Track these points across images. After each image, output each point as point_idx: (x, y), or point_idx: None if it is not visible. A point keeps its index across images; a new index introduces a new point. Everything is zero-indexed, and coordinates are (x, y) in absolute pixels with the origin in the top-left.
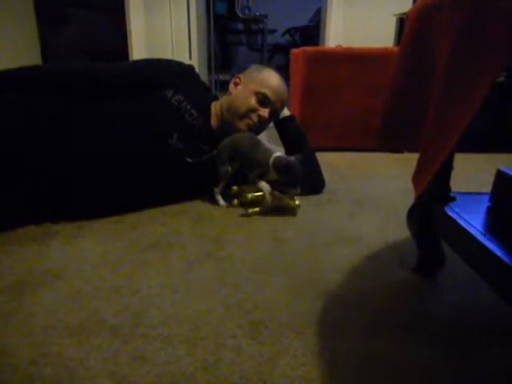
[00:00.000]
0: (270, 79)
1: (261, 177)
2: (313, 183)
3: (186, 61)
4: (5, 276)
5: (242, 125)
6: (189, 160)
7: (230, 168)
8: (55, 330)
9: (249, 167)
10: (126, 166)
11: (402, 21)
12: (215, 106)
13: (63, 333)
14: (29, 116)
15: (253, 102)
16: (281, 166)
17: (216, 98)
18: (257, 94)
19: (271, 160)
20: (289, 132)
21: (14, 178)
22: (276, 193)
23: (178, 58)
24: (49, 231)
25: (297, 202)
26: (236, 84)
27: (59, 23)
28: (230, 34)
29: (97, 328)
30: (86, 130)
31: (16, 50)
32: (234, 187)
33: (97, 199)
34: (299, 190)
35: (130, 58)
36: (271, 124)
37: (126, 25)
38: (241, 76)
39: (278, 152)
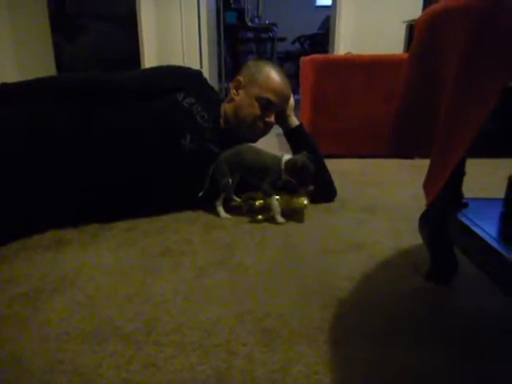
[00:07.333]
0: (270, 80)
1: (274, 184)
2: (324, 191)
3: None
4: (20, 283)
5: (250, 134)
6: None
7: (230, 180)
8: (69, 336)
9: (258, 176)
10: (140, 168)
11: (411, 28)
12: (223, 109)
13: (77, 340)
14: (46, 124)
15: (257, 110)
16: (296, 169)
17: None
18: (259, 99)
19: (283, 164)
20: (299, 142)
21: (27, 183)
22: (284, 193)
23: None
24: (63, 239)
25: (305, 202)
26: (237, 88)
27: (73, 34)
28: (240, 42)
29: (110, 335)
30: (101, 136)
31: (31, 61)
32: (242, 197)
33: (111, 201)
34: (313, 187)
35: (142, 67)
36: (281, 131)
37: (138, 34)
38: (240, 78)
39: (286, 155)
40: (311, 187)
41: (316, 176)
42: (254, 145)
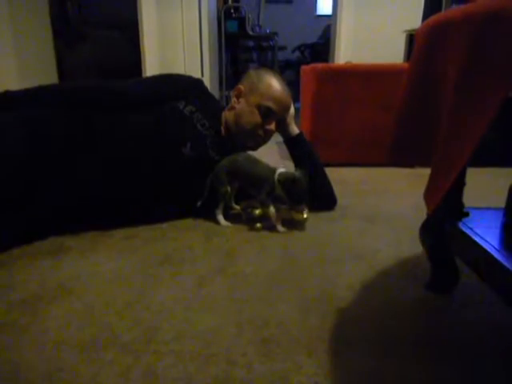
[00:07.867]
0: (271, 88)
1: (269, 194)
2: (324, 199)
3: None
4: (19, 290)
5: (250, 142)
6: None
7: (229, 188)
8: (68, 345)
9: (255, 186)
10: (141, 175)
11: (411, 37)
12: (224, 117)
13: (75, 348)
14: (46, 130)
15: (257, 118)
16: (287, 182)
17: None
18: (259, 107)
19: (276, 176)
20: (299, 150)
21: (26, 189)
22: (283, 207)
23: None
24: (63, 246)
25: (305, 216)
26: (237, 96)
27: (75, 41)
28: (241, 51)
29: (109, 344)
30: (101, 144)
31: (33, 69)
32: (241, 204)
33: (111, 209)
34: (305, 208)
35: (144, 75)
36: (281, 140)
37: (139, 42)
38: (241, 86)
39: (282, 167)
40: (302, 206)
41: (308, 194)
42: (252, 154)
